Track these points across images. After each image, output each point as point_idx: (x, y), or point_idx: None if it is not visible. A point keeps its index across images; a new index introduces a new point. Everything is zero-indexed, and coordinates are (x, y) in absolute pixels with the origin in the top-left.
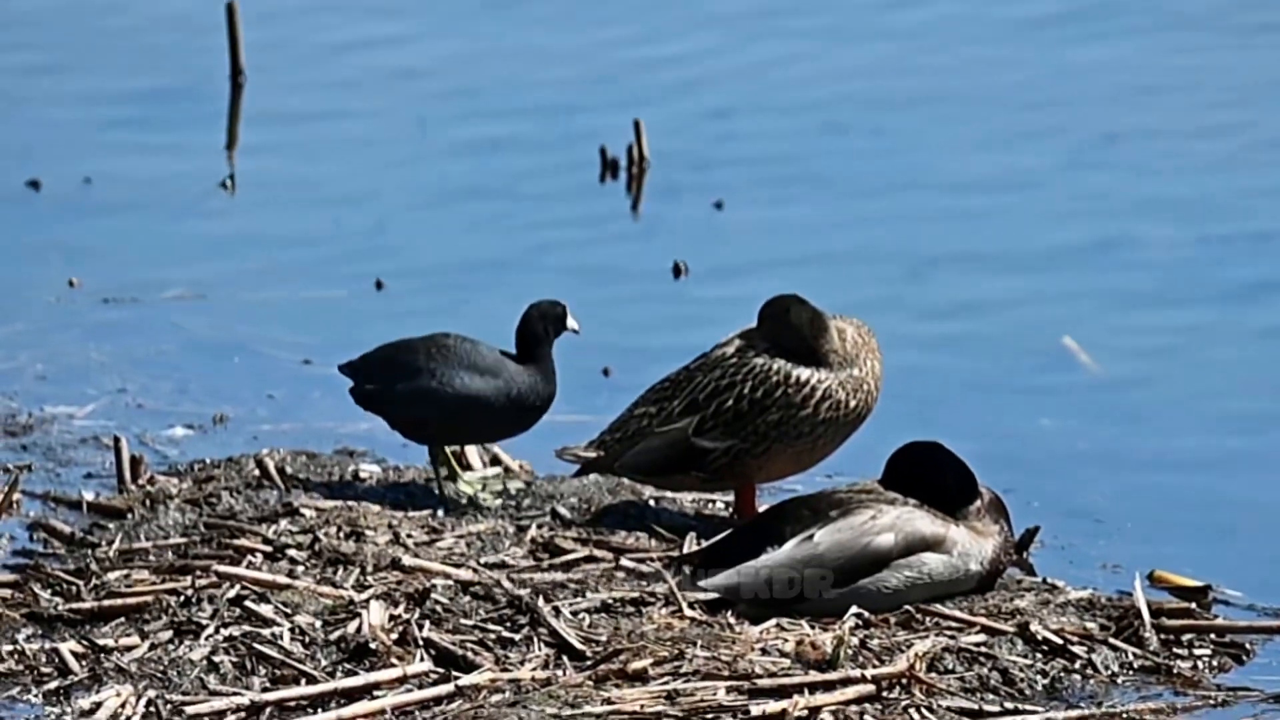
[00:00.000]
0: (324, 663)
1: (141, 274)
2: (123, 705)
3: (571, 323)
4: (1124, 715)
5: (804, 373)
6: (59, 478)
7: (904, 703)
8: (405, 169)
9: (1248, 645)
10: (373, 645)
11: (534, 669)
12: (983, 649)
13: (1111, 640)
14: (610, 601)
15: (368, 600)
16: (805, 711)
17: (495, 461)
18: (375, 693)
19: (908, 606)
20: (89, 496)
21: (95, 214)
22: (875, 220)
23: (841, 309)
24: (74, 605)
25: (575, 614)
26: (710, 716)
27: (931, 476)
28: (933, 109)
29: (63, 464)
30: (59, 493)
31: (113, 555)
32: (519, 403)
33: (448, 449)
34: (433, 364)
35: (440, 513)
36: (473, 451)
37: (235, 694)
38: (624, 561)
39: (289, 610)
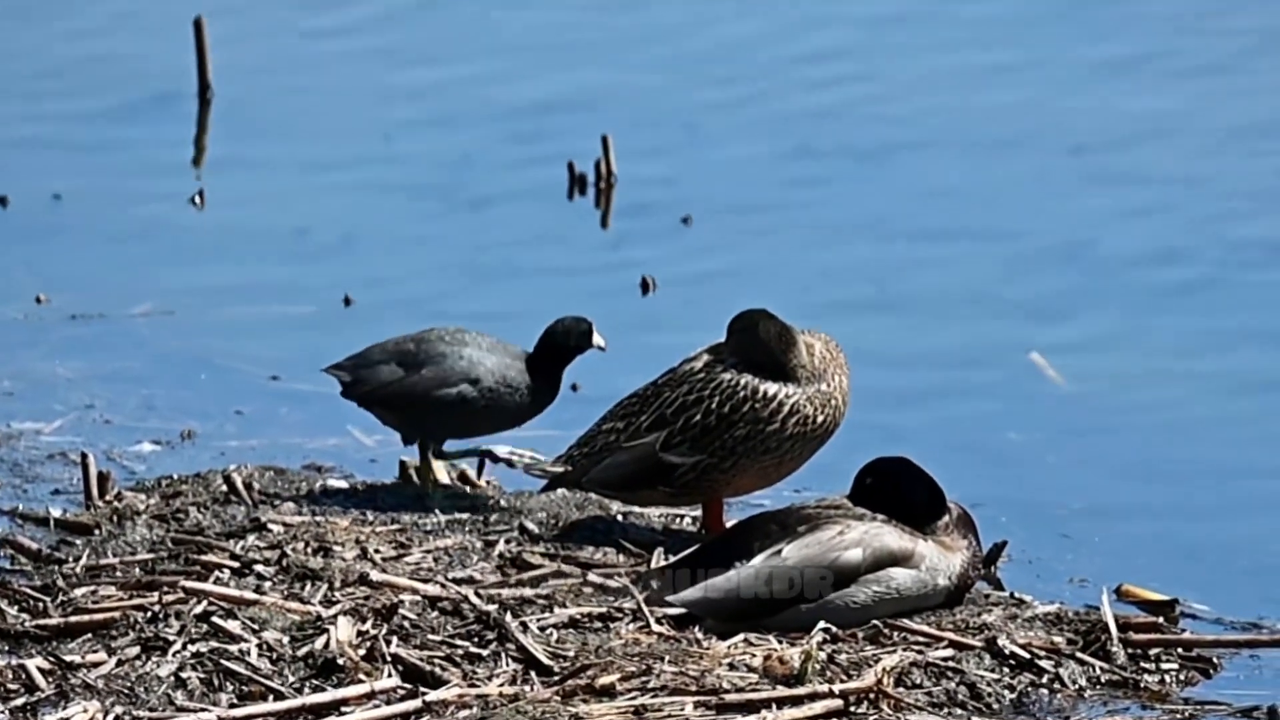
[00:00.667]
0: (291, 679)
1: (109, 290)
2: None
3: (598, 339)
4: None
5: (771, 388)
6: (26, 494)
7: (872, 718)
8: (373, 185)
9: (1215, 659)
10: (340, 661)
11: (502, 684)
12: (950, 664)
13: (1079, 654)
14: (578, 617)
15: (335, 616)
16: None
17: (463, 478)
18: (343, 709)
19: (875, 621)
20: (56, 513)
21: (63, 230)
22: (842, 235)
23: (809, 324)
24: (41, 621)
25: (543, 629)
26: None
27: (899, 492)
28: (901, 126)
29: (30, 480)
30: (26, 509)
31: (80, 571)
32: (534, 392)
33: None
34: (454, 348)
35: (437, 516)
36: (440, 468)
37: (202, 710)
38: (592, 577)
39: (256, 626)
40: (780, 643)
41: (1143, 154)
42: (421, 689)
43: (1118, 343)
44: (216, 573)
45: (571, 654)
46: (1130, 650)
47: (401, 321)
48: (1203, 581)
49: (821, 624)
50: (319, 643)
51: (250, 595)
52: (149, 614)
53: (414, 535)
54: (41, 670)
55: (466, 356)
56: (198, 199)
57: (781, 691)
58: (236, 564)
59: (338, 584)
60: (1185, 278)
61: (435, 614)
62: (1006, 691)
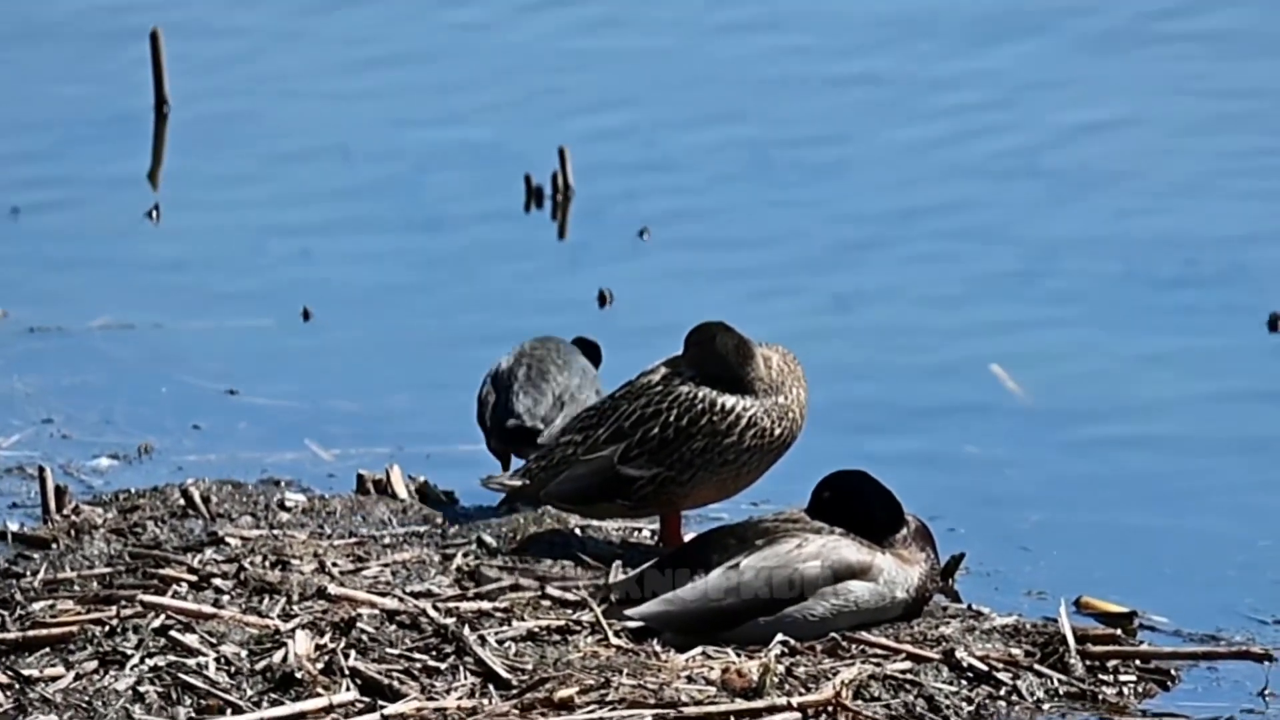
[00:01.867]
0: (250, 692)
1: (68, 304)
2: None
3: None
4: None
5: (729, 400)
6: None
7: None
8: (330, 197)
9: (1173, 671)
10: (298, 674)
11: (460, 698)
12: (908, 676)
13: (1037, 666)
14: (536, 630)
15: (293, 629)
16: None
17: (421, 491)
18: None
19: (833, 634)
20: (13, 527)
21: (22, 244)
22: (800, 247)
23: (766, 336)
24: None
25: (501, 642)
26: None
27: (857, 505)
28: (856, 140)
29: None
30: None
31: (37, 585)
32: None
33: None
34: (568, 354)
35: (394, 529)
36: (398, 479)
37: None
38: (550, 590)
39: (214, 640)
40: (739, 655)
41: (1102, 166)
42: (380, 702)
43: (1079, 356)
44: (174, 586)
45: (530, 667)
46: (1088, 662)
47: (361, 335)
48: (1161, 593)
49: (780, 637)
50: (277, 656)
51: (208, 609)
52: (107, 628)
53: (372, 549)
54: None
55: (581, 361)
56: (154, 213)
57: (740, 704)
58: (194, 578)
59: (296, 597)
60: (1147, 287)
61: (393, 627)
62: (964, 704)
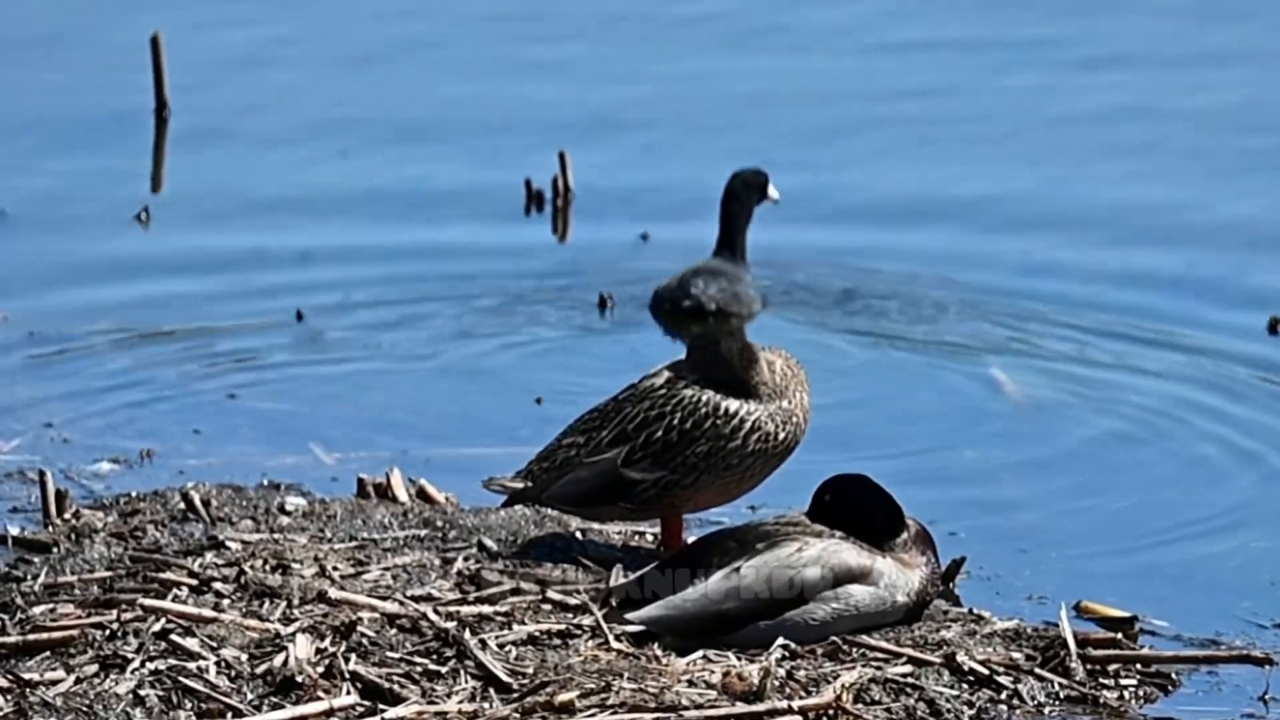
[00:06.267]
0: (250, 696)
1: (68, 308)
2: None
3: (773, 192)
4: None
5: (733, 404)
6: None
7: None
8: (329, 201)
9: (1174, 676)
10: (299, 678)
11: (460, 702)
12: (909, 680)
13: (1038, 671)
14: (537, 634)
15: (294, 633)
16: None
17: (421, 494)
18: None
19: (834, 638)
20: (14, 531)
21: (22, 247)
22: (799, 251)
23: (767, 339)
24: None
25: (502, 646)
26: None
27: (858, 509)
28: (855, 138)
29: None
30: None
31: (38, 589)
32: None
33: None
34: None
35: (395, 533)
36: (399, 483)
37: None
38: (550, 594)
39: (215, 644)
40: (739, 659)
41: (1098, 172)
42: (380, 706)
43: (1076, 361)
44: (175, 590)
45: (530, 671)
46: (1089, 666)
47: (361, 339)
48: (1162, 598)
49: (780, 640)
50: (277, 660)
51: (209, 613)
52: (107, 632)
53: (372, 552)
54: None
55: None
56: (143, 215)
57: (740, 708)
58: (195, 581)
59: (296, 601)
60: (1143, 292)
61: (394, 631)
62: (965, 708)
